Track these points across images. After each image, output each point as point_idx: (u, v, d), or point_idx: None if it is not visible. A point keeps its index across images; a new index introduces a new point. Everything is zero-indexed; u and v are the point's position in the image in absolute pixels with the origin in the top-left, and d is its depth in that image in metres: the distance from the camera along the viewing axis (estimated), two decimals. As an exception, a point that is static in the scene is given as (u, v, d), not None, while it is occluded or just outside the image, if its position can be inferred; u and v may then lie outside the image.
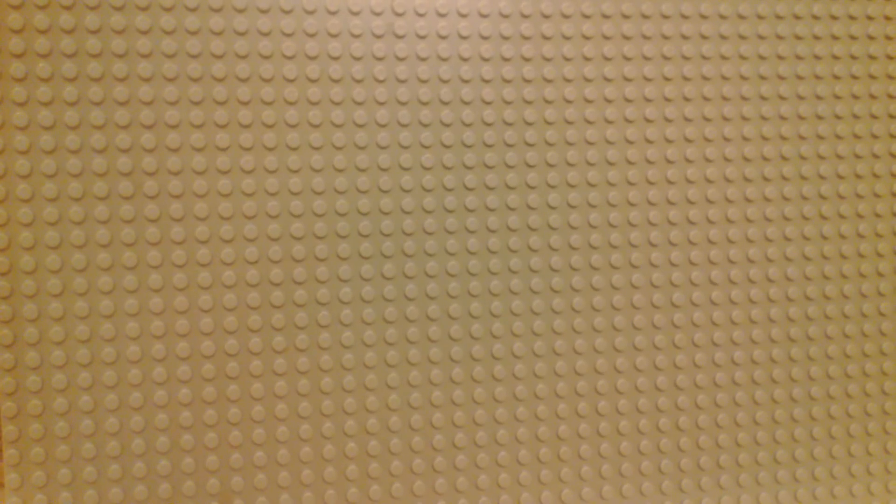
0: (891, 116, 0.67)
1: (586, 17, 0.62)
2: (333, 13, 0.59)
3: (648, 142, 0.63)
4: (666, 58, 0.64)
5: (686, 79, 0.64)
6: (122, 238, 0.57)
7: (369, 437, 0.61)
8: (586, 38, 0.62)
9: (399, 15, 0.60)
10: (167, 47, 0.57)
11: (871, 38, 0.66)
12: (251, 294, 0.59)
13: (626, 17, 0.63)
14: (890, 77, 0.67)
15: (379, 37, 0.60)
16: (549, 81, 0.62)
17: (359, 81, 0.60)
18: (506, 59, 0.61)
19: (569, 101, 0.62)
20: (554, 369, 0.63)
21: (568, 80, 0.62)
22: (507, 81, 0.62)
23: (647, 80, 0.63)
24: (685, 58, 0.64)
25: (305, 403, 0.60)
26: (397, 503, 0.61)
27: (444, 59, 0.61)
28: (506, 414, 0.63)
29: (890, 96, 0.67)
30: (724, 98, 0.65)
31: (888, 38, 0.66)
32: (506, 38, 0.61)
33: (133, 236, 0.57)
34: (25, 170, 0.56)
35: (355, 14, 0.60)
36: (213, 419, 0.59)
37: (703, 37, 0.64)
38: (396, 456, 0.61)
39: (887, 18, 0.66)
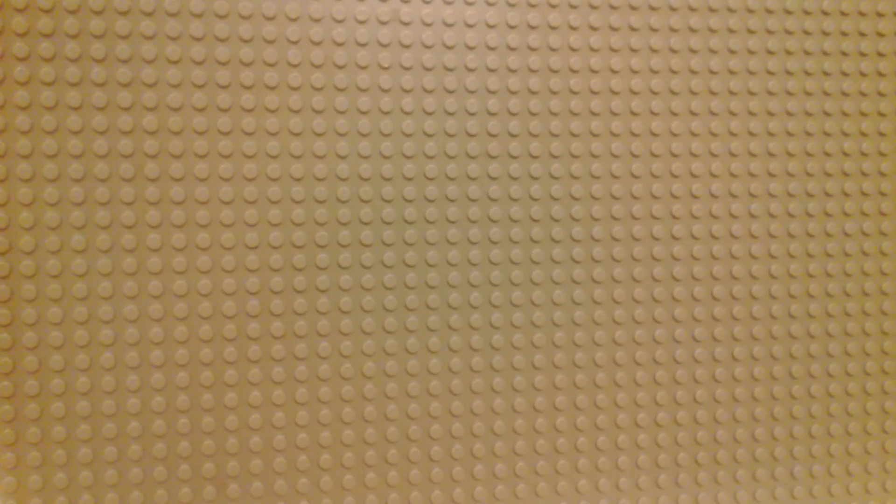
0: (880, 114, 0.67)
1: (594, 7, 0.62)
2: (340, 21, 0.59)
3: (654, 155, 0.63)
4: (673, 72, 0.63)
5: (693, 90, 0.64)
6: (122, 244, 0.57)
7: (366, 424, 0.61)
8: (592, 27, 0.62)
9: (405, 2, 0.60)
10: (172, 53, 0.57)
11: (862, 34, 0.66)
12: (250, 279, 0.59)
13: (633, 29, 0.63)
14: (881, 74, 0.66)
15: (384, 23, 0.60)
16: (554, 72, 0.62)
17: (363, 68, 0.60)
18: (511, 49, 0.61)
19: (574, 92, 0.62)
20: (552, 366, 0.63)
21: (574, 71, 0.62)
22: (513, 71, 0.61)
23: (654, 93, 0.63)
24: (693, 72, 0.64)
25: (303, 390, 0.60)
26: (393, 491, 0.61)
27: (450, 48, 0.60)
28: (504, 426, 0.63)
29: (880, 94, 0.67)
30: (730, 108, 0.64)
31: (880, 34, 0.66)
32: (512, 28, 0.61)
33: (134, 242, 0.57)
34: (27, 173, 0.56)
35: (361, 0, 0.59)
36: (210, 403, 0.59)
37: (713, 51, 0.64)
38: (393, 444, 0.61)
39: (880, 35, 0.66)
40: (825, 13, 0.65)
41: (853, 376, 0.67)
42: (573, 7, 0.62)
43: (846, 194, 0.66)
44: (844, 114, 0.66)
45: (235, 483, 0.59)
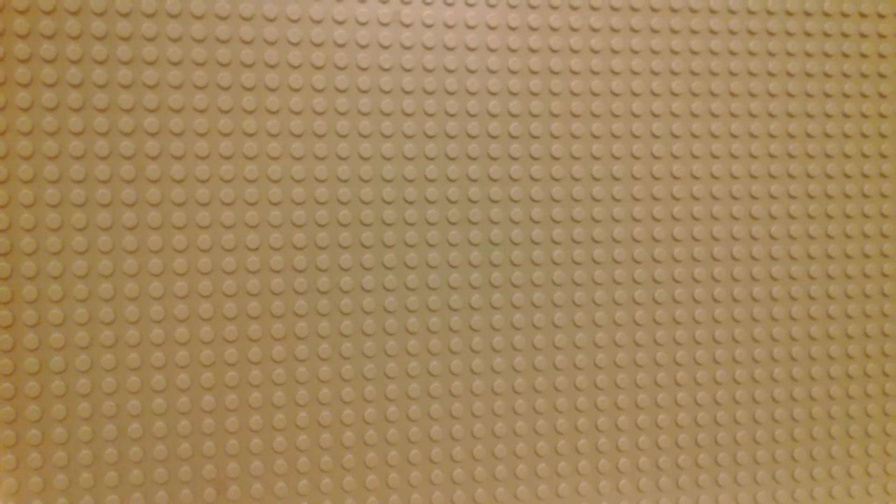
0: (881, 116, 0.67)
1: (594, 8, 0.62)
2: (340, 23, 0.59)
3: (655, 157, 0.63)
4: (674, 73, 0.63)
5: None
6: (123, 245, 0.57)
7: (367, 426, 0.61)
8: (594, 29, 0.62)
9: (406, 3, 0.60)
10: (173, 55, 0.57)
11: (863, 35, 0.66)
12: (251, 280, 0.59)
13: (634, 31, 0.63)
14: (881, 76, 0.66)
15: (385, 24, 0.60)
16: (555, 73, 0.62)
17: (364, 69, 0.60)
18: (512, 50, 0.61)
19: (575, 94, 0.62)
20: (554, 370, 0.63)
21: (575, 73, 0.62)
22: (514, 72, 0.61)
23: (655, 94, 0.63)
24: (693, 73, 0.64)
25: (303, 392, 0.60)
26: (394, 493, 0.61)
27: (451, 49, 0.60)
28: (504, 428, 0.63)
29: (881, 95, 0.66)
30: (731, 110, 0.64)
31: (881, 35, 0.66)
32: (513, 29, 0.61)
33: (135, 244, 0.57)
34: (28, 175, 0.56)
35: (362, 2, 0.59)
36: (211, 405, 0.59)
37: (713, 52, 0.64)
38: (393, 446, 0.61)
39: (881, 36, 0.66)
40: (826, 14, 0.65)
41: (854, 378, 0.66)
42: (574, 9, 0.62)
43: (847, 196, 0.66)
44: (846, 115, 0.66)
45: (236, 485, 0.59)
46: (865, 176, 0.66)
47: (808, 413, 0.66)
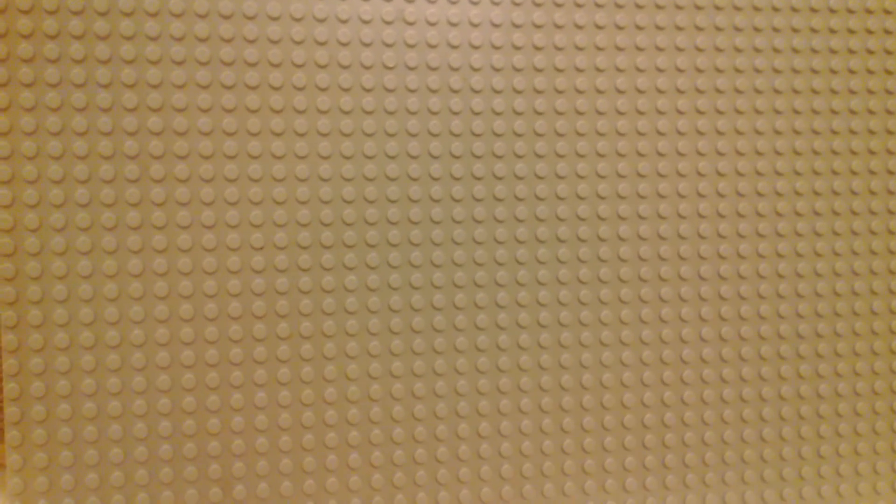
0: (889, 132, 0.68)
1: (599, 5, 0.63)
2: (344, 21, 0.59)
3: (660, 155, 0.64)
4: (679, 70, 0.64)
5: (699, 91, 0.64)
6: (127, 245, 0.57)
7: (372, 425, 0.61)
8: (598, 27, 0.63)
9: (409, 1, 0.60)
10: (176, 54, 0.57)
11: (851, 31, 0.67)
12: (256, 280, 0.59)
13: (639, 28, 0.63)
14: (870, 71, 0.67)
15: (389, 23, 0.60)
16: (559, 70, 0.62)
17: (368, 68, 0.60)
18: (517, 48, 0.62)
19: (580, 91, 0.62)
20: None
21: (580, 70, 0.62)
22: (518, 70, 0.62)
23: (660, 91, 0.64)
24: (699, 70, 0.64)
25: (308, 391, 0.60)
26: (399, 493, 0.61)
27: (455, 47, 0.61)
28: (510, 427, 0.63)
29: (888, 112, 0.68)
30: (738, 111, 0.65)
31: (887, 52, 0.67)
32: (517, 27, 0.62)
33: (139, 243, 0.57)
34: (32, 175, 0.56)
35: (365, 0, 0.60)
36: (216, 405, 0.58)
37: (719, 49, 0.65)
38: (399, 445, 0.61)
39: (887, 32, 0.67)
40: (814, 10, 0.66)
41: (843, 377, 0.67)
42: (578, 6, 0.62)
43: (836, 193, 0.67)
44: (833, 112, 0.66)
45: (241, 484, 0.59)
46: (854, 173, 0.67)
47: (797, 412, 0.66)
